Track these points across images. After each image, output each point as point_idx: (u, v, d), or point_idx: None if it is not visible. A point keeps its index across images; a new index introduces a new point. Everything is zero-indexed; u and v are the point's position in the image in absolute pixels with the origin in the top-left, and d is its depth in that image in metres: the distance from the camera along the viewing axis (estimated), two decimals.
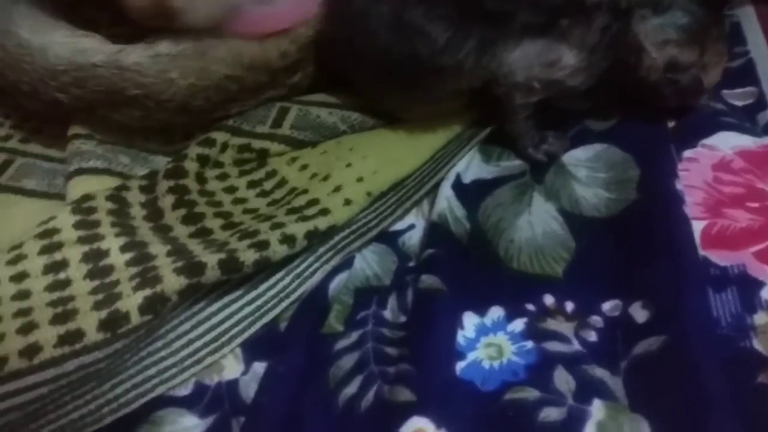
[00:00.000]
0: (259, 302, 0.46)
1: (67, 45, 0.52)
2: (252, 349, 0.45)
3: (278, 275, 0.47)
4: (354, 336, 0.46)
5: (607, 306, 0.45)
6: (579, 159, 0.53)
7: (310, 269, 0.48)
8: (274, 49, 0.52)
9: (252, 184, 0.52)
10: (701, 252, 0.46)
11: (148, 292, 0.41)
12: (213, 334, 0.44)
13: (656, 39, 0.49)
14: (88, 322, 0.39)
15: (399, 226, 0.52)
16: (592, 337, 0.44)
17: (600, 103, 0.53)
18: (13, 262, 0.43)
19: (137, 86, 0.50)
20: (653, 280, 0.45)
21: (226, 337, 0.44)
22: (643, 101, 0.52)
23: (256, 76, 0.52)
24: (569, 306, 0.45)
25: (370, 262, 0.50)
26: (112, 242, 0.44)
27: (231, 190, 0.51)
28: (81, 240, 0.44)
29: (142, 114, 0.52)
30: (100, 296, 0.41)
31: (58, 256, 0.43)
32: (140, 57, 0.51)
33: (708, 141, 0.53)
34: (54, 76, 0.51)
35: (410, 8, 0.48)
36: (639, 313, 0.44)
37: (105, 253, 0.43)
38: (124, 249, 0.43)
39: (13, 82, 0.52)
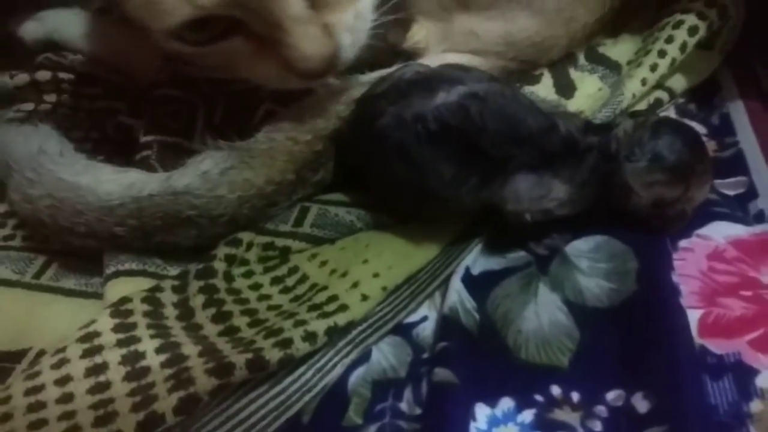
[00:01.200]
0: (282, 397, 0.49)
1: (115, 181, 0.55)
2: None
3: (300, 370, 0.50)
4: (372, 429, 0.48)
5: (610, 396, 0.48)
6: (581, 250, 0.56)
7: (331, 363, 0.51)
8: (303, 143, 0.56)
9: (275, 281, 0.55)
10: (698, 341, 0.49)
11: (182, 393, 0.44)
12: (240, 429, 0.47)
13: (643, 180, 0.52)
14: (127, 423, 0.43)
15: (413, 318, 0.55)
16: (597, 427, 0.46)
17: (590, 221, 0.56)
18: (57, 365, 0.47)
19: (191, 207, 0.54)
20: (652, 370, 0.47)
21: (253, 431, 0.47)
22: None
23: (286, 175, 0.56)
24: (575, 396, 0.48)
25: (386, 354, 0.53)
26: (148, 344, 0.47)
27: (256, 286, 0.55)
28: (120, 343, 0.47)
29: (197, 232, 0.55)
30: (137, 398, 0.44)
31: (98, 359, 0.47)
32: (190, 178, 0.54)
33: (702, 231, 0.57)
34: (111, 212, 0.54)
35: (422, 145, 0.52)
36: (641, 404, 0.46)
37: (142, 355, 0.47)
38: (159, 351, 0.47)
39: (68, 227, 0.54)
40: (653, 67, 0.63)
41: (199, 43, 0.51)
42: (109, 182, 0.55)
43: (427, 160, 0.52)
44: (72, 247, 0.57)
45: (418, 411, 0.49)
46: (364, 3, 0.53)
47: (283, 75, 0.51)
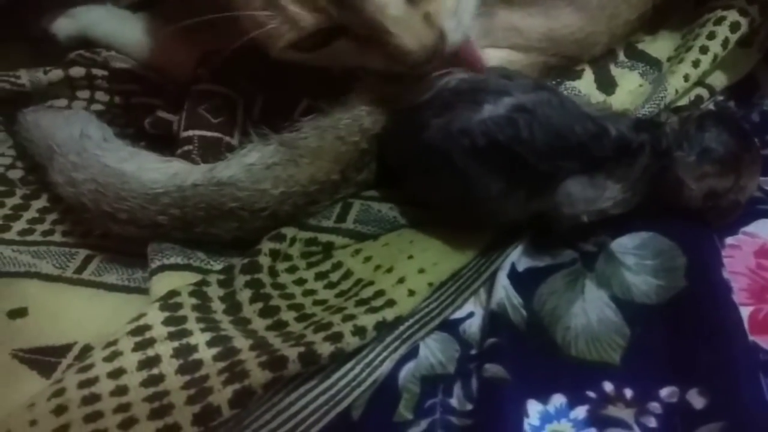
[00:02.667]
0: (332, 391, 0.48)
1: (160, 170, 0.55)
2: None
3: (349, 365, 0.49)
4: (423, 424, 0.48)
5: (664, 392, 0.47)
6: (627, 247, 0.56)
7: (379, 358, 0.50)
8: (351, 143, 0.56)
9: (319, 276, 0.55)
10: (750, 337, 0.49)
11: (237, 386, 0.44)
12: (291, 423, 0.47)
13: (694, 174, 0.52)
14: (184, 416, 0.42)
15: (459, 314, 0.55)
16: (652, 423, 0.46)
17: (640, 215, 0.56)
18: (109, 359, 0.46)
19: (234, 199, 0.54)
20: (707, 367, 0.47)
21: (304, 426, 0.47)
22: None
23: (331, 175, 0.56)
24: (628, 393, 0.48)
25: (433, 350, 0.52)
26: (199, 337, 0.47)
27: (300, 282, 0.54)
28: (171, 336, 0.47)
29: (238, 225, 0.55)
30: (192, 391, 0.44)
31: (150, 352, 0.46)
32: (235, 170, 0.54)
33: (748, 228, 0.56)
34: (154, 200, 0.54)
35: (468, 159, 0.51)
36: (696, 400, 0.46)
37: (194, 349, 0.46)
38: (210, 344, 0.47)
39: (110, 212, 0.54)
40: (695, 63, 0.63)
41: (308, 49, 0.53)
42: (154, 170, 0.55)
43: (473, 174, 0.52)
44: (111, 234, 0.58)
45: (469, 407, 0.49)
46: None
47: (389, 65, 0.52)
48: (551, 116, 0.51)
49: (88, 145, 0.57)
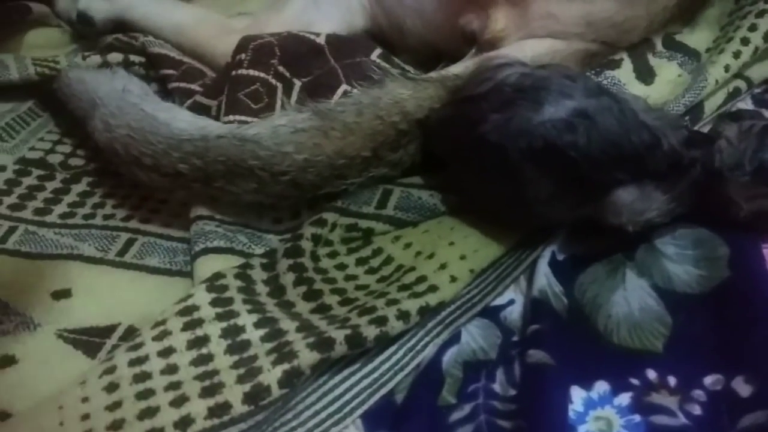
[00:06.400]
0: (375, 375, 0.49)
1: (190, 122, 0.57)
2: (372, 421, 0.47)
3: (392, 349, 0.50)
4: (467, 408, 0.48)
5: (708, 380, 0.47)
6: (667, 237, 0.56)
7: (421, 343, 0.51)
8: (389, 123, 0.56)
9: (360, 262, 0.55)
10: None
11: (286, 366, 0.44)
12: (336, 405, 0.47)
13: (746, 194, 0.52)
14: (234, 394, 0.43)
15: (499, 301, 0.55)
16: (696, 410, 0.46)
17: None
18: (159, 338, 0.47)
19: (255, 157, 0.54)
20: (754, 355, 0.47)
21: (348, 408, 0.47)
22: None
23: (361, 152, 0.56)
24: (672, 380, 0.48)
25: (475, 336, 0.53)
26: (246, 318, 0.48)
27: (342, 267, 0.55)
28: (219, 317, 0.48)
29: (257, 186, 0.55)
30: (241, 370, 0.44)
31: (199, 332, 0.47)
32: (260, 129, 0.55)
33: None
34: (178, 147, 0.55)
35: (523, 160, 0.50)
36: (742, 387, 0.46)
37: (242, 329, 0.47)
38: (257, 325, 0.47)
39: (137, 156, 0.56)
40: (736, 54, 0.63)
41: None
42: (184, 121, 0.57)
43: (526, 175, 0.51)
44: (152, 219, 0.61)
45: (512, 392, 0.49)
46: None
47: None
48: (610, 124, 0.50)
49: (129, 97, 0.60)
